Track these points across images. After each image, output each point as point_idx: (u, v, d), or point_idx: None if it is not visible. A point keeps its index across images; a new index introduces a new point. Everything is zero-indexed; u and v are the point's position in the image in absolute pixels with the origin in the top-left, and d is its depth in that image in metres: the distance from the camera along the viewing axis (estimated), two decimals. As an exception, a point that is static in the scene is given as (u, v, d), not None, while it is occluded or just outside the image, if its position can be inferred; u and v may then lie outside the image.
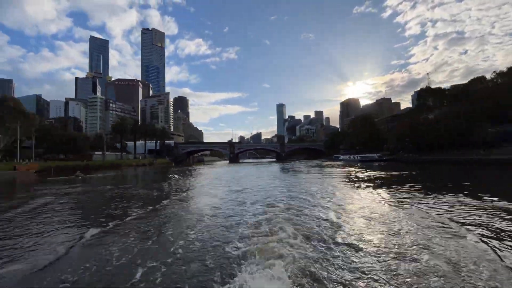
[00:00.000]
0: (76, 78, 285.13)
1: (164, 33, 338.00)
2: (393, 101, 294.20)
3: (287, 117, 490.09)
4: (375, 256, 5.23)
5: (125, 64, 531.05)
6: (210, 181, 24.22)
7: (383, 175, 24.67)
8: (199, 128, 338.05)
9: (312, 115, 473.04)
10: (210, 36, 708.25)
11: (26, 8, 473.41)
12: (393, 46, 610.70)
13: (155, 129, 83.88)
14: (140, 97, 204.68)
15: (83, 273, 4.86)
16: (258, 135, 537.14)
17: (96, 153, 59.99)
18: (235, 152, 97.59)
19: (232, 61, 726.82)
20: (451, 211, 8.93)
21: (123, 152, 72.31)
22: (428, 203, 10.23)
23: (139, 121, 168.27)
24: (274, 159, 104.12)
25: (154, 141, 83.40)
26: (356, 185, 17.58)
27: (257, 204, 11.32)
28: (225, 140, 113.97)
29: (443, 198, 11.31)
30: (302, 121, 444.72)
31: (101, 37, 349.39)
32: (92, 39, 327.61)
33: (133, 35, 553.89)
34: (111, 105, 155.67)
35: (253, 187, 17.51)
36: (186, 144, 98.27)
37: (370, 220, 8.06)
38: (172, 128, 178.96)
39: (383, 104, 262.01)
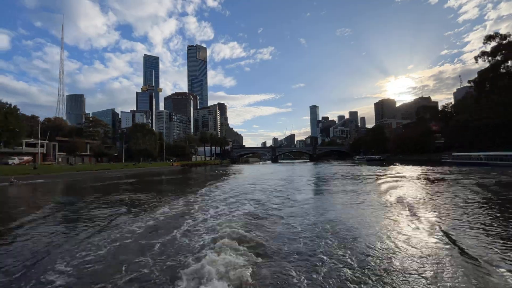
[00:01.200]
0: (137, 93, 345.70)
1: (206, 47, 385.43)
2: (442, 95, 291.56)
3: (320, 118, 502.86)
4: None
5: (165, 71, 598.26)
6: (272, 169, 53.50)
7: (368, 168, 51.12)
8: (235, 130, 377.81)
9: (347, 115, 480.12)
10: (245, 39, 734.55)
11: (79, 24, 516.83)
12: (443, 34, 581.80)
13: (221, 138, 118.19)
14: (191, 108, 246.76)
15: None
16: (292, 136, 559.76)
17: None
18: (276, 154, 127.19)
19: (266, 62, 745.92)
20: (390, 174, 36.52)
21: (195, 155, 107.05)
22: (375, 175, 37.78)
23: (192, 129, 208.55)
24: (307, 160, 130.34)
25: (218, 147, 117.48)
26: (341, 167, 44.92)
27: (286, 173, 40.04)
28: (259, 141, 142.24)
29: (387, 171, 38.58)
30: (336, 122, 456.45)
31: (153, 54, 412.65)
32: (146, 57, 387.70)
33: (172, 43, 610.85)
34: (173, 117, 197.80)
35: (288, 171, 46.23)
36: (239, 149, 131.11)
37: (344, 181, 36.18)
38: (219, 134, 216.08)
39: (421, 103, 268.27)
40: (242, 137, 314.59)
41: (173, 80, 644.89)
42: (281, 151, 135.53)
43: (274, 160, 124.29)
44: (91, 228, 8.66)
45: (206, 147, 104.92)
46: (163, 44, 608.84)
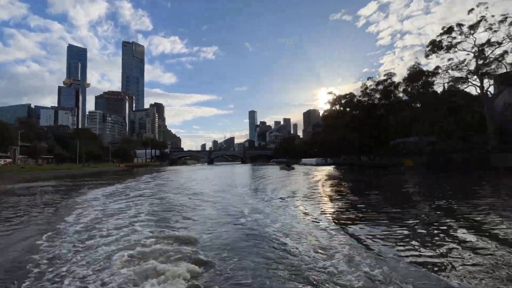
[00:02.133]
0: (60, 87, 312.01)
1: (144, 46, 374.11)
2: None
3: (258, 123, 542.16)
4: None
5: (91, 60, 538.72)
6: (202, 168, 73.60)
7: (266, 166, 75.93)
8: (173, 131, 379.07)
9: (284, 120, 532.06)
10: (187, 34, 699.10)
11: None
12: (366, 55, 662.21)
13: (161, 142, 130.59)
14: (127, 109, 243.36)
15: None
16: (231, 139, 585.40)
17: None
18: (211, 157, 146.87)
19: (210, 62, 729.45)
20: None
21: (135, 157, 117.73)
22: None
23: (127, 131, 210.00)
24: (240, 162, 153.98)
25: (155, 149, 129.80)
26: (245, 166, 68.20)
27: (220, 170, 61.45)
28: (199, 143, 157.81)
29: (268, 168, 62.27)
30: (272, 127, 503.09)
31: (79, 45, 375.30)
32: (71, 47, 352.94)
33: (102, 28, 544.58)
34: (107, 118, 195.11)
35: (220, 169, 67.62)
36: (177, 152, 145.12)
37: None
38: (157, 137, 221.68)
39: (334, 113, 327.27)
40: (180, 139, 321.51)
41: (101, 72, 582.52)
42: (216, 154, 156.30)
43: (210, 162, 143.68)
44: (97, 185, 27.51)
45: (147, 150, 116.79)
46: (89, 28, 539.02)
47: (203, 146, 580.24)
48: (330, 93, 74.33)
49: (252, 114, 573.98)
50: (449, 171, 29.74)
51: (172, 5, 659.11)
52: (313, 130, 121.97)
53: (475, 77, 32.99)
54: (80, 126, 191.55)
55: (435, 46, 35.92)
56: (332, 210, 10.45)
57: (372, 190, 17.14)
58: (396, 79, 58.23)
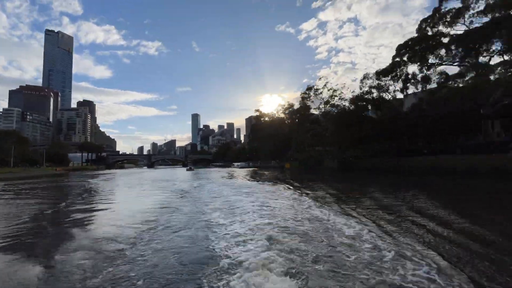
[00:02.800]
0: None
1: (72, 37, 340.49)
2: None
3: (201, 126, 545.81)
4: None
5: None
6: (142, 171, 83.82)
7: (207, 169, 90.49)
8: (105, 132, 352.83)
9: (227, 125, 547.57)
10: (126, 25, 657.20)
11: None
12: (305, 66, 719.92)
13: (98, 145, 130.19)
14: (51, 107, 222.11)
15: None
16: (172, 142, 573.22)
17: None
18: (152, 161, 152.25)
19: (152, 58, 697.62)
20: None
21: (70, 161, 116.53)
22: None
23: (53, 132, 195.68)
24: (181, 166, 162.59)
25: (92, 153, 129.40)
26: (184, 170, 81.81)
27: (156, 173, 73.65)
28: (135, 145, 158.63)
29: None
30: (216, 131, 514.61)
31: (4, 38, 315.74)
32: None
33: (11, 3, 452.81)
34: (28, 117, 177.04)
35: (161, 172, 79.42)
36: (114, 156, 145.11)
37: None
38: (88, 139, 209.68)
39: (276, 121, 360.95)
40: (115, 141, 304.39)
41: (10, 57, 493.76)
42: (156, 158, 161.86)
43: (150, 166, 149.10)
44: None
45: (83, 153, 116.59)
46: None
47: (141, 149, 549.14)
48: (257, 110, 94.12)
49: (195, 117, 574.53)
50: (311, 169, 50.66)
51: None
52: (251, 136, 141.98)
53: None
54: None
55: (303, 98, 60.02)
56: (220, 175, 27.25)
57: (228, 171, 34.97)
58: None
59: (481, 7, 32.33)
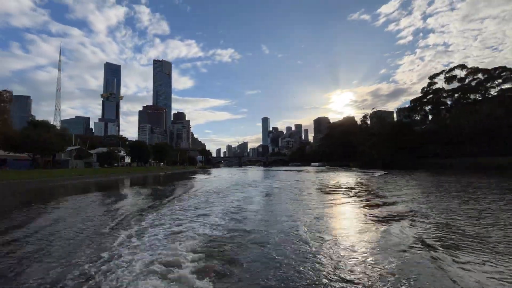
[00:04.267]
0: (103, 102, 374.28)
1: (171, 63, 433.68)
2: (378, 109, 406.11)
3: (271, 128, 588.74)
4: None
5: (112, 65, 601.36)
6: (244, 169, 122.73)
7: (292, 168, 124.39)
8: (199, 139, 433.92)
9: (295, 125, 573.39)
10: (203, 38, 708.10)
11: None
12: (383, 55, 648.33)
13: (208, 150, 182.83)
14: (165, 121, 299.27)
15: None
16: (245, 144, 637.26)
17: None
18: (241, 162, 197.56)
19: (225, 65, 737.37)
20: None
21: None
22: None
23: (168, 140, 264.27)
24: (261, 166, 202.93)
25: (204, 156, 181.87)
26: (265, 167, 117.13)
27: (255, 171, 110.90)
28: (213, 148, 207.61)
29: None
30: (284, 132, 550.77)
31: (115, 63, 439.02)
32: (107, 65, 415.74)
33: (120, 33, 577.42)
34: (154, 130, 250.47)
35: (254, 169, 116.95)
36: (217, 158, 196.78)
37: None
38: (190, 145, 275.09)
39: (344, 122, 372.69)
40: (205, 145, 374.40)
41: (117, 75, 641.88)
42: (245, 159, 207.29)
43: (240, 165, 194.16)
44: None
45: (202, 157, 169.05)
46: (107, 33, 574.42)
47: (218, 151, 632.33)
48: (329, 125, 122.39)
49: (265, 120, 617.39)
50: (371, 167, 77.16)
51: (191, 8, 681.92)
52: (320, 142, 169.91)
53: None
54: (119, 135, 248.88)
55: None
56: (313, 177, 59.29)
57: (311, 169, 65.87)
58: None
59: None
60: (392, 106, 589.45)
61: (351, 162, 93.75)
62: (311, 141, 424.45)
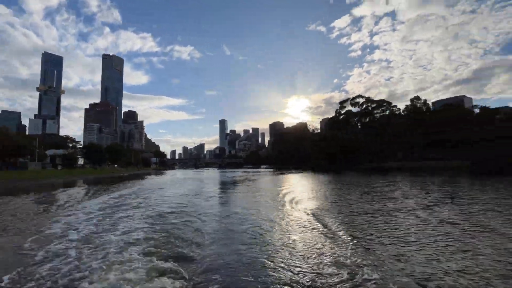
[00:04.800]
0: (40, 95, 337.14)
1: (123, 59, 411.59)
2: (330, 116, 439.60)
3: (228, 131, 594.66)
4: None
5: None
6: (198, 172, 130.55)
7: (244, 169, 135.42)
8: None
9: (252, 130, 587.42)
10: (161, 31, 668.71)
11: None
12: (336, 66, 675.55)
13: (162, 152, 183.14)
14: (115, 121, 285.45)
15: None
16: (201, 146, 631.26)
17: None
18: (197, 163, 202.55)
19: (184, 62, 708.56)
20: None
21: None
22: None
23: (118, 141, 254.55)
24: (217, 168, 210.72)
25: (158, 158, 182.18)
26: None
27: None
28: (167, 149, 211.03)
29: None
30: (242, 135, 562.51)
31: (54, 50, 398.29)
32: (46, 55, 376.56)
33: (61, 17, 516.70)
34: (103, 129, 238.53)
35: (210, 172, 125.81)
36: (172, 159, 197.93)
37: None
38: (143, 146, 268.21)
39: (297, 127, 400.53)
40: (159, 146, 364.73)
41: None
42: (201, 161, 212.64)
43: (196, 167, 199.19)
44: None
45: (156, 158, 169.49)
46: (44, 15, 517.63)
47: (173, 152, 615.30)
48: (281, 132, 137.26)
49: (222, 122, 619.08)
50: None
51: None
52: (272, 147, 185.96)
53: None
54: (61, 134, 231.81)
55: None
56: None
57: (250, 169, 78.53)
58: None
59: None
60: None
61: (303, 165, 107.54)
62: (267, 144, 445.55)
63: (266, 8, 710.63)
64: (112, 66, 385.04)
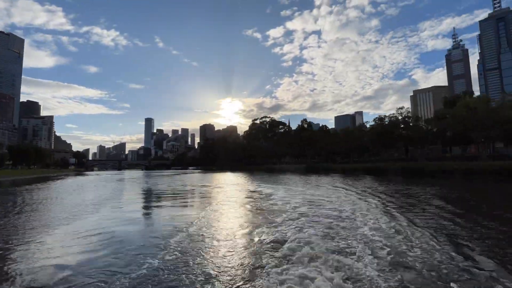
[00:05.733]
0: None
1: (24, 39, 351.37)
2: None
3: (155, 130, 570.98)
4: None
5: None
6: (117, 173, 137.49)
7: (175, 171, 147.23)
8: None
9: (182, 129, 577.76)
10: (76, 8, 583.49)
11: None
12: (269, 73, 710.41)
13: (82, 153, 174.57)
14: (13, 114, 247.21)
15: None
16: (122, 145, 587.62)
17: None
18: (121, 165, 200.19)
19: (106, 48, 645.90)
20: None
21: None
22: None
23: (19, 139, 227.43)
24: (142, 170, 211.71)
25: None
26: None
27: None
28: (79, 147, 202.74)
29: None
30: (170, 135, 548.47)
31: None
32: None
33: None
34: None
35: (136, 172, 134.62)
36: (92, 161, 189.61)
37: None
38: (52, 145, 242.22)
39: (227, 131, 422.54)
40: (71, 145, 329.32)
41: None
42: (125, 163, 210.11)
43: (119, 169, 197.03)
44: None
45: (71, 159, 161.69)
46: None
47: (86, 151, 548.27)
48: (206, 139, 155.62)
49: (148, 121, 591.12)
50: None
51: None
52: (200, 150, 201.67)
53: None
54: None
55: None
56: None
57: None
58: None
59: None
60: (275, 117, 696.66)
61: (224, 166, 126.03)
62: (196, 146, 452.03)
63: (206, 5, 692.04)
64: (8, 47, 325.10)
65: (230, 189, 28.06)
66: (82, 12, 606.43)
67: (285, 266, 6.10)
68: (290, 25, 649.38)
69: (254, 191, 24.35)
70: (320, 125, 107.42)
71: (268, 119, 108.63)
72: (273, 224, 10.25)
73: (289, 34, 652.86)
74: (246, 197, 20.40)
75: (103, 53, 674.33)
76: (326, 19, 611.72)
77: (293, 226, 9.81)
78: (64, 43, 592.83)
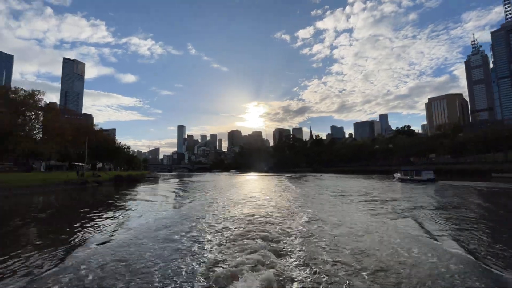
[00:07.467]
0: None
1: (84, 64, 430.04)
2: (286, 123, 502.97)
3: (186, 136, 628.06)
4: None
5: None
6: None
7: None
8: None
9: (210, 135, 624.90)
10: (117, 21, 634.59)
11: None
12: (297, 75, 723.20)
13: (131, 155, 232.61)
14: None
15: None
16: (156, 150, 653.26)
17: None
18: (172, 169, 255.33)
19: (142, 57, 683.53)
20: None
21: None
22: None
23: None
24: (187, 172, 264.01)
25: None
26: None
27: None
28: None
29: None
30: (199, 141, 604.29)
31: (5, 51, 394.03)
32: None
33: None
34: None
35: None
36: (150, 165, 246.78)
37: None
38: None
39: (253, 136, 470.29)
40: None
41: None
42: (175, 167, 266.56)
43: (170, 171, 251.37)
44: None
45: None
46: None
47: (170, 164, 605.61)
48: (241, 146, 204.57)
49: (180, 128, 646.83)
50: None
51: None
52: (233, 155, 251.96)
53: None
54: None
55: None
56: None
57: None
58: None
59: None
60: (299, 120, 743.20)
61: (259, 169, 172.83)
62: (224, 150, 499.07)
63: (237, 11, 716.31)
64: (73, 70, 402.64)
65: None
66: (122, 23, 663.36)
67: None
68: (320, 24, 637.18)
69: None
70: (344, 129, 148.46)
71: (291, 136, 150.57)
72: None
73: (319, 33, 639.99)
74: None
75: (139, 62, 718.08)
76: (359, 16, 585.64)
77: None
78: (105, 54, 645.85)
